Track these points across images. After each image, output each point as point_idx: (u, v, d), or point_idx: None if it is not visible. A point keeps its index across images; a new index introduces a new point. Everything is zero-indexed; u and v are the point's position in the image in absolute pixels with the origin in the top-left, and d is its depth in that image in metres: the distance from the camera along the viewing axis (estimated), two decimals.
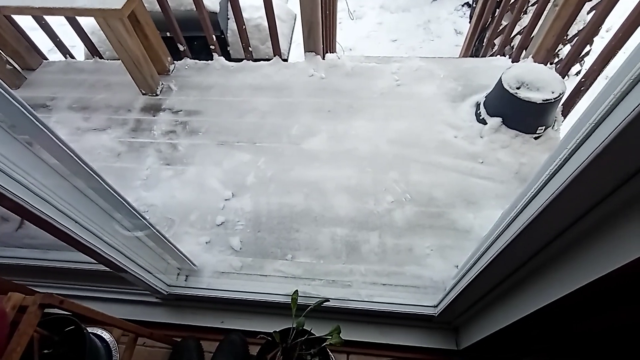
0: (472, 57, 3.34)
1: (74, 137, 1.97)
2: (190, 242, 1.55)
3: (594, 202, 0.51)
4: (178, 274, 1.37)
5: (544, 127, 1.69)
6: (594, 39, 3.11)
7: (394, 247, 1.50)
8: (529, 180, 0.68)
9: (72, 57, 2.47)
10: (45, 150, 0.73)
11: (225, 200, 1.68)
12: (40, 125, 0.67)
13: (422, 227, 1.55)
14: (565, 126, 1.82)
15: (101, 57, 2.44)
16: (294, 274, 1.41)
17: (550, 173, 0.55)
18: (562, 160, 0.52)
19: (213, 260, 1.46)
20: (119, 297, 1.32)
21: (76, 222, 0.81)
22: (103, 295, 1.32)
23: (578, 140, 0.47)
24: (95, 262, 0.96)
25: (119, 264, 0.97)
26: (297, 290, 1.14)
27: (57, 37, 2.33)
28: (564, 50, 3.35)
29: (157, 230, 1.09)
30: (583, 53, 3.28)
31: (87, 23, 2.21)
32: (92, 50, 2.39)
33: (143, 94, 2.15)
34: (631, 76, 0.36)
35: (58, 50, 2.42)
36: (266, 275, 1.41)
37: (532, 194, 0.63)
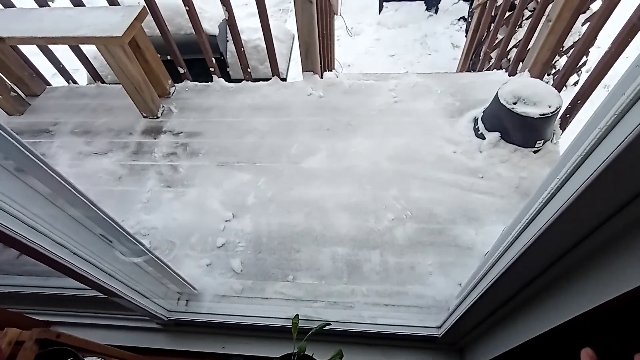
0: (470, 70, 3.37)
1: (76, 161, 1.99)
2: (191, 265, 1.54)
3: (600, 220, 0.49)
4: (178, 299, 1.36)
5: (542, 140, 1.69)
6: (590, 49, 3.14)
7: (395, 265, 1.49)
8: (531, 196, 0.67)
9: (75, 82, 2.52)
10: (38, 181, 0.73)
11: (226, 221, 1.68)
12: (31, 157, 0.67)
13: (423, 245, 1.53)
14: (564, 139, 1.82)
15: (103, 82, 2.48)
16: (295, 296, 1.39)
17: (553, 190, 0.54)
18: (564, 177, 0.50)
19: (214, 283, 1.45)
20: (118, 323, 1.31)
21: (70, 250, 0.81)
22: (103, 322, 1.31)
23: (580, 157, 0.46)
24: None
25: (115, 291, 0.96)
26: (297, 315, 1.13)
27: (60, 63, 2.39)
28: (561, 61, 3.38)
29: (156, 256, 1.09)
30: (580, 64, 3.31)
31: (90, 49, 2.26)
32: (94, 75, 2.44)
33: (144, 117, 2.18)
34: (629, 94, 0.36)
35: (61, 76, 2.47)
36: (267, 298, 1.39)
37: (535, 211, 0.62)
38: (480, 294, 0.90)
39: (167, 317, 1.25)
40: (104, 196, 1.84)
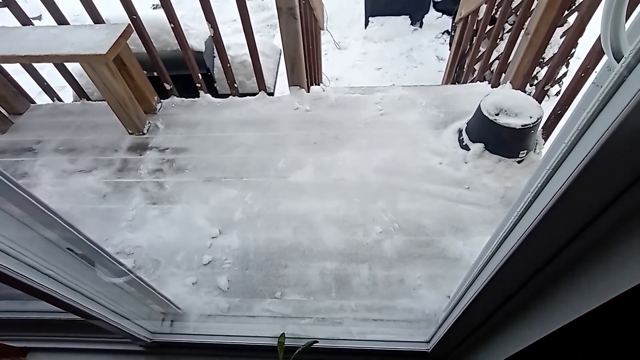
0: (454, 82, 3.44)
1: (59, 180, 1.96)
2: (176, 284, 1.51)
3: (584, 223, 0.49)
4: (163, 319, 1.32)
5: (525, 151, 1.71)
6: (570, 60, 3.23)
7: (384, 279, 1.48)
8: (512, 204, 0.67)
9: (60, 100, 2.49)
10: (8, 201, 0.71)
11: (212, 238, 1.65)
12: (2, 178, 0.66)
13: (412, 257, 1.53)
14: (547, 149, 1.85)
15: (89, 99, 2.47)
16: (283, 313, 1.37)
17: (532, 195, 0.54)
18: (543, 181, 0.51)
19: (199, 302, 1.42)
20: (99, 347, 1.26)
21: (42, 272, 0.78)
22: (82, 346, 1.26)
23: (556, 161, 0.46)
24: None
25: (93, 314, 0.94)
26: (283, 334, 1.11)
27: (45, 81, 2.37)
28: (542, 72, 3.47)
29: (138, 277, 1.07)
30: (561, 74, 3.40)
31: (75, 66, 2.26)
32: (80, 92, 2.42)
33: (130, 134, 2.16)
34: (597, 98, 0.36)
35: (46, 94, 2.45)
36: (254, 317, 1.37)
37: (515, 218, 0.62)
38: (465, 306, 0.90)
39: (151, 339, 1.22)
40: (87, 215, 1.80)
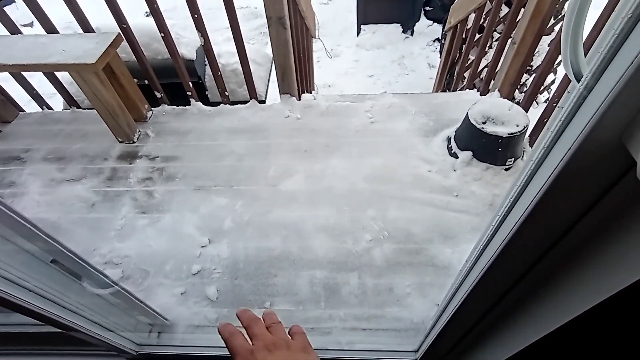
0: (445, 89, 3.48)
1: (48, 189, 1.94)
2: (165, 294, 1.50)
3: (567, 224, 0.48)
4: (150, 331, 1.31)
5: (513, 158, 1.73)
6: (558, 68, 3.28)
7: (374, 287, 1.48)
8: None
9: (50, 108, 2.48)
10: None
11: (202, 247, 1.64)
12: None
13: (401, 265, 1.53)
14: None
15: (79, 107, 2.45)
16: None
17: (513, 198, 0.54)
18: (515, 196, 0.51)
19: (188, 313, 1.40)
20: None
21: (22, 287, 0.77)
22: (66, 359, 1.24)
23: (526, 177, 0.47)
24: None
25: (74, 326, 0.92)
26: None
27: (34, 89, 2.35)
28: (530, 79, 3.52)
29: (124, 289, 1.06)
30: (549, 82, 3.45)
31: (65, 75, 2.25)
32: (70, 100, 2.41)
33: (120, 142, 2.15)
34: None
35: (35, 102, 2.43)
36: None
37: (498, 221, 0.62)
38: (451, 314, 0.90)
39: (137, 352, 1.20)
40: (76, 224, 1.78)
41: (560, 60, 1.88)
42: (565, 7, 2.87)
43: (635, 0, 0.26)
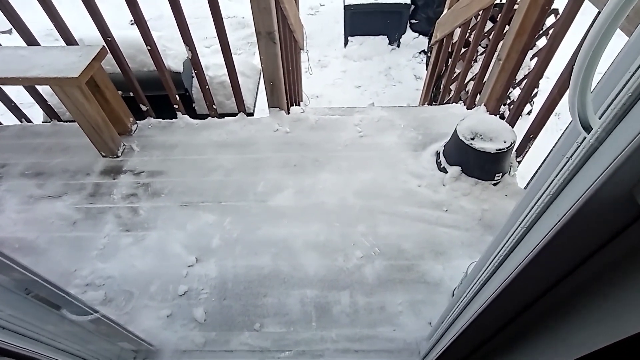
0: (432, 101, 3.52)
1: (25, 206, 1.86)
2: (150, 317, 1.44)
3: (571, 267, 0.47)
4: (134, 358, 1.25)
5: (500, 173, 1.75)
6: (540, 81, 3.36)
7: (365, 306, 1.46)
8: (496, 234, 0.66)
9: (29, 120, 2.39)
10: None
11: (189, 266, 1.60)
12: None
13: (392, 282, 1.52)
14: (521, 171, 1.90)
15: (60, 120, 2.38)
16: (262, 346, 1.32)
17: (515, 241, 0.53)
18: (525, 227, 0.49)
19: (174, 337, 1.35)
20: None
21: None
22: None
23: (538, 209, 0.45)
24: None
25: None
26: None
27: (12, 101, 2.27)
28: (515, 92, 3.60)
29: (105, 316, 1.01)
30: (532, 94, 3.54)
31: (45, 87, 2.18)
32: (50, 113, 2.33)
33: (103, 157, 2.08)
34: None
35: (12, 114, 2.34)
36: (232, 351, 1.31)
37: (508, 249, 0.60)
38: (452, 339, 0.88)
39: None
40: (55, 244, 1.71)
41: (543, 74, 1.92)
42: (547, 22, 2.96)
43: None
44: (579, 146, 0.34)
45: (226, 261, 1.61)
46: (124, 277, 1.57)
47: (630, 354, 0.44)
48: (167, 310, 1.45)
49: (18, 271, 0.76)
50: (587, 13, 1.46)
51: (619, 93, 0.29)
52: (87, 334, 1.03)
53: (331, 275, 1.55)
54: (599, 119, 0.32)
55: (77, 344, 0.97)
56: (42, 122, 2.52)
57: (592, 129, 0.32)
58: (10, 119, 2.40)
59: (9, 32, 5.21)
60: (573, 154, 0.34)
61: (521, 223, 0.45)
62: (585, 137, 0.34)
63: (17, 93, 2.34)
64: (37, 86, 2.21)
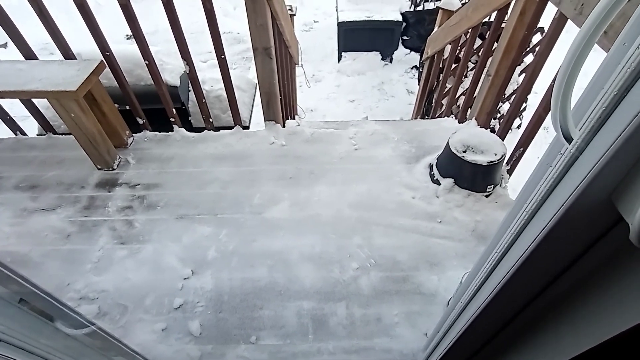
0: (424, 115, 3.59)
1: (19, 219, 1.84)
2: (145, 331, 1.43)
3: (559, 270, 0.49)
4: None
5: (492, 185, 1.79)
6: (528, 96, 3.46)
7: (362, 317, 1.46)
8: (488, 243, 0.68)
9: (23, 133, 2.39)
10: None
11: (184, 279, 1.59)
12: None
13: (388, 294, 1.53)
14: (512, 182, 1.95)
15: (55, 132, 2.38)
16: (258, 359, 1.31)
17: (505, 246, 0.55)
18: (515, 234, 0.51)
19: (169, 351, 1.34)
20: None
21: None
22: None
23: (527, 215, 0.48)
24: None
25: None
26: None
27: (7, 114, 2.27)
28: (504, 107, 3.70)
29: (100, 329, 1.00)
30: (521, 109, 3.63)
31: (41, 99, 2.18)
32: (45, 126, 2.34)
33: (99, 169, 2.09)
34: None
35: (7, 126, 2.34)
36: None
37: (499, 255, 0.62)
38: (447, 347, 0.90)
39: None
40: (49, 257, 1.69)
41: (531, 89, 1.99)
42: (534, 40, 3.07)
43: (619, 80, 0.28)
44: (562, 156, 0.36)
45: (222, 273, 1.61)
46: (119, 291, 1.56)
47: (616, 354, 0.47)
48: (162, 324, 1.44)
49: (16, 281, 0.76)
50: (571, 31, 1.54)
51: (595, 107, 0.32)
52: (82, 347, 1.02)
53: (327, 287, 1.56)
54: (579, 130, 0.34)
55: (72, 358, 0.96)
56: (37, 134, 2.52)
57: (572, 139, 0.35)
58: (4, 132, 2.39)
59: (5, 45, 5.23)
60: (557, 163, 0.37)
61: (511, 229, 0.48)
62: (567, 148, 0.36)
63: (10, 105, 2.34)
64: (33, 99, 2.21)
